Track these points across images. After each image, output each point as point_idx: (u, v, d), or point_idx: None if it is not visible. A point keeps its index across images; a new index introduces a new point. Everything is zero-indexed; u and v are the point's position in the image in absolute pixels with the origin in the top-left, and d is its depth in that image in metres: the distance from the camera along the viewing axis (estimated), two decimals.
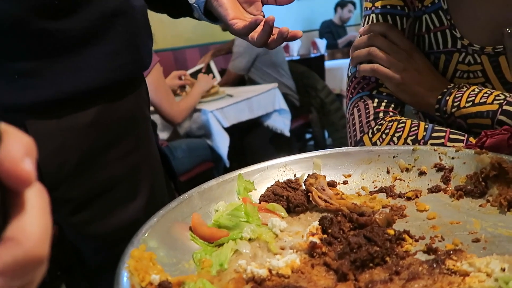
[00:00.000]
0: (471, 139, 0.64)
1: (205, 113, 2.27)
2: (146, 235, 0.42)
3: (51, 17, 0.64)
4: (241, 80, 3.26)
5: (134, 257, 0.37)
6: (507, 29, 0.50)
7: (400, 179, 0.58)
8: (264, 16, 0.72)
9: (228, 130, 2.36)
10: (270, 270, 0.39)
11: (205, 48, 4.13)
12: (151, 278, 0.36)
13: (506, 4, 0.67)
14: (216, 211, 0.52)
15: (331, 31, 5.37)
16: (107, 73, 0.72)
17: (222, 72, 3.31)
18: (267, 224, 0.49)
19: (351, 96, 0.79)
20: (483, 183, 0.51)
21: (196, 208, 0.51)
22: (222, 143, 2.28)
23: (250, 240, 0.46)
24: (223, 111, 2.34)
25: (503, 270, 0.35)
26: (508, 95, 0.63)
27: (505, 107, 0.61)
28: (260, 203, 0.55)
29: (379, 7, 0.77)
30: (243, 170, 0.59)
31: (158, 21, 3.61)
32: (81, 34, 0.68)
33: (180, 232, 0.47)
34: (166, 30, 3.69)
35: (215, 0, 0.71)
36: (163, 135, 2.41)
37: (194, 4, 0.75)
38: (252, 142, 2.85)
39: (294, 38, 0.65)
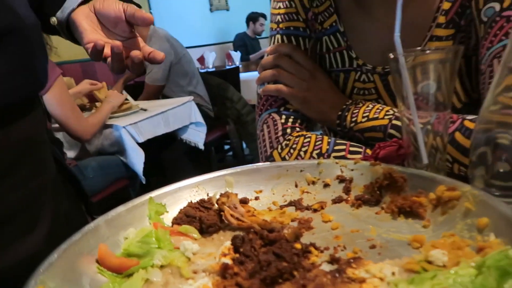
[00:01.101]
0: (368, 150, 0.70)
1: (117, 129, 2.17)
2: (44, 274, 0.38)
3: None
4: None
5: None
6: (391, 54, 0.56)
7: (307, 192, 0.61)
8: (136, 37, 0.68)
9: (143, 145, 2.28)
10: None
11: None
12: None
13: (392, 30, 0.75)
14: (125, 238, 0.50)
15: (245, 43, 5.51)
16: None
17: (136, 85, 3.21)
18: (179, 248, 0.48)
19: (260, 112, 0.82)
20: (377, 192, 0.56)
21: (104, 238, 0.49)
22: (137, 159, 2.20)
23: (162, 267, 0.45)
24: (137, 126, 2.25)
25: (393, 274, 0.38)
26: (396, 111, 0.70)
27: (394, 122, 0.68)
28: (172, 226, 0.54)
29: (283, 28, 0.82)
30: (153, 193, 0.58)
31: None
32: None
33: (86, 266, 0.44)
34: None
35: (73, 22, 0.67)
36: (70, 153, 2.25)
37: (57, 27, 0.70)
38: (170, 156, 2.79)
39: (154, 60, 0.63)
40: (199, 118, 2.81)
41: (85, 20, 0.65)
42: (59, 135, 2.21)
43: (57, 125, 2.17)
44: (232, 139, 3.65)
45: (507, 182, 0.47)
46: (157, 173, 2.72)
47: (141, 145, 2.26)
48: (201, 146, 2.85)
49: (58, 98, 1.78)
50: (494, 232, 0.40)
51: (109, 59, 0.62)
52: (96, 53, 0.61)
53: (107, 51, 0.61)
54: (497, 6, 0.64)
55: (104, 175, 2.14)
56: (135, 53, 0.61)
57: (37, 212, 0.74)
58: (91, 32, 0.64)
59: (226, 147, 4.17)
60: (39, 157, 0.75)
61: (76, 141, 2.22)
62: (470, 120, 0.62)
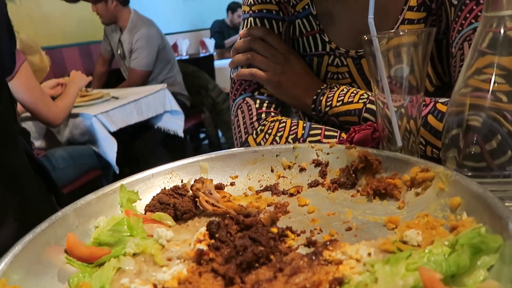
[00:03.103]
0: (343, 134, 0.70)
1: (88, 118, 2.10)
2: (7, 266, 0.36)
3: None
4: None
5: None
6: (365, 36, 0.55)
7: (283, 177, 0.61)
8: None
9: (116, 134, 2.22)
10: (155, 286, 0.37)
11: (86, 47, 3.83)
12: None
13: (364, 13, 0.75)
14: (96, 227, 0.48)
15: (222, 31, 5.43)
16: None
17: (114, 73, 3.13)
18: (153, 236, 0.47)
19: (234, 97, 0.81)
20: (353, 175, 0.56)
21: (72, 227, 0.47)
22: (109, 148, 2.14)
23: (134, 255, 0.44)
24: (109, 114, 2.19)
25: (369, 254, 0.38)
26: (370, 94, 0.70)
27: (368, 106, 0.68)
28: (145, 213, 0.52)
29: (256, 11, 0.80)
30: (125, 180, 0.56)
31: (26, 16, 3.23)
32: None
33: (53, 256, 0.43)
34: (37, 27, 3.33)
35: None
36: (39, 143, 2.16)
37: None
38: (144, 145, 2.74)
39: None
40: (174, 106, 2.76)
41: None
42: (27, 125, 2.12)
43: (23, 115, 2.09)
44: (207, 127, 3.62)
45: (478, 163, 0.47)
46: (131, 163, 2.67)
47: (113, 134, 2.21)
48: (181, 134, 2.82)
49: (25, 84, 1.69)
50: (466, 211, 0.40)
51: None
52: None
53: None
54: None
55: (75, 166, 2.08)
56: None
57: (4, 206, 0.70)
58: None
59: (202, 135, 4.13)
60: (6, 147, 0.72)
61: (44, 131, 2.14)
62: (443, 103, 0.63)
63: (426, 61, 0.56)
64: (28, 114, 2.05)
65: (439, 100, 0.63)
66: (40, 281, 0.39)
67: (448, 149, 0.51)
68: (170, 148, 2.95)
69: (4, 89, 0.75)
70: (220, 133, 3.77)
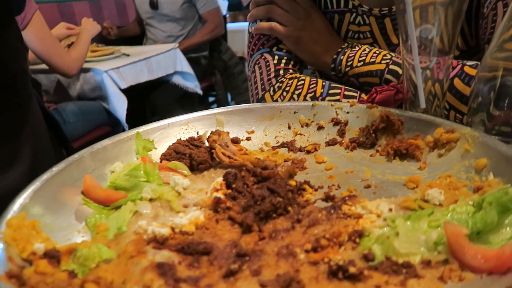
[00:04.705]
0: (363, 95, 0.68)
1: (99, 73, 2.08)
2: (27, 201, 0.36)
3: None
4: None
5: (11, 226, 0.32)
6: None
7: (301, 134, 0.60)
8: None
9: (126, 91, 2.20)
10: (173, 229, 0.37)
11: (97, 3, 3.74)
12: (34, 247, 0.31)
13: None
14: (112, 172, 0.48)
15: None
16: None
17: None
18: (168, 183, 0.46)
19: (252, 52, 0.78)
20: (373, 134, 0.54)
21: (88, 170, 0.46)
22: (119, 105, 2.13)
23: (151, 200, 0.44)
24: (119, 71, 2.16)
25: (390, 210, 0.38)
26: (393, 55, 0.68)
27: (391, 67, 0.66)
28: (161, 162, 0.52)
29: None
30: (141, 128, 0.55)
31: None
32: None
33: (70, 196, 0.42)
34: None
35: None
36: (50, 97, 2.16)
37: None
38: (154, 102, 2.73)
39: None
40: (186, 67, 2.72)
41: None
42: (39, 77, 2.11)
43: (34, 67, 2.07)
44: (217, 90, 3.58)
45: (508, 127, 0.46)
46: (139, 122, 2.66)
47: (123, 92, 2.18)
48: (200, 91, 2.84)
49: (37, 34, 1.66)
50: (494, 172, 0.39)
51: None
52: None
53: None
54: None
55: (85, 121, 2.07)
56: None
57: (17, 147, 0.71)
58: None
59: (211, 99, 4.10)
60: (17, 87, 0.71)
61: (55, 84, 2.13)
62: (471, 66, 0.60)
63: (459, 21, 0.53)
64: (39, 66, 2.03)
65: (467, 63, 0.61)
66: (58, 218, 0.39)
67: (475, 113, 0.50)
68: (180, 108, 2.93)
69: (11, 26, 0.72)
70: (229, 98, 3.73)
